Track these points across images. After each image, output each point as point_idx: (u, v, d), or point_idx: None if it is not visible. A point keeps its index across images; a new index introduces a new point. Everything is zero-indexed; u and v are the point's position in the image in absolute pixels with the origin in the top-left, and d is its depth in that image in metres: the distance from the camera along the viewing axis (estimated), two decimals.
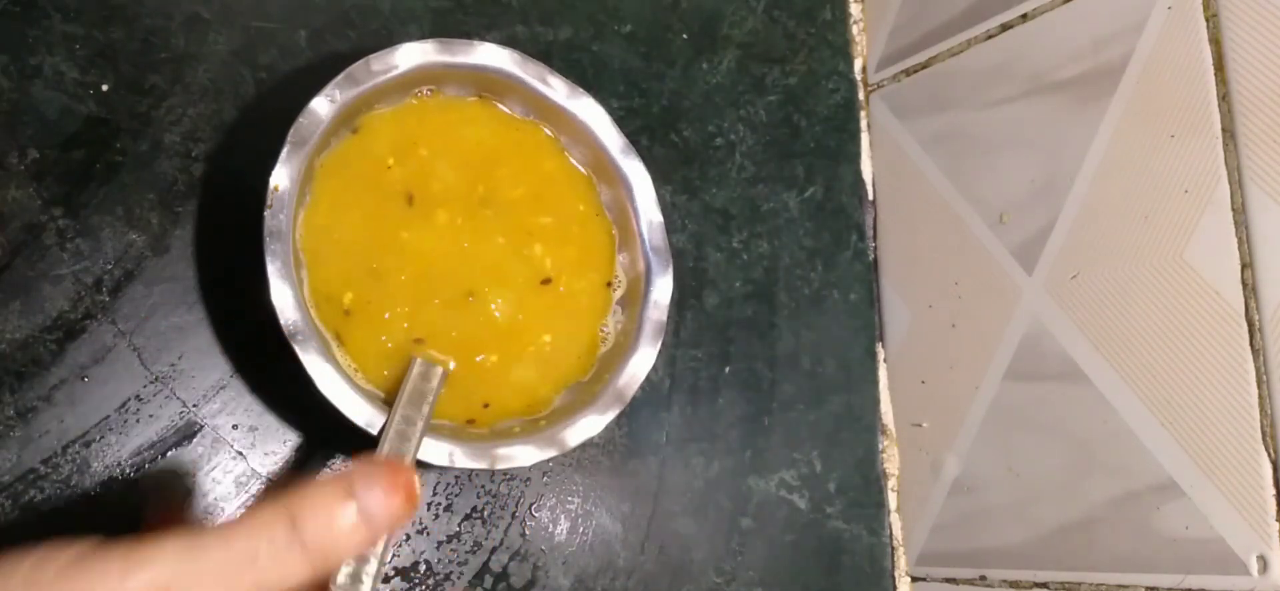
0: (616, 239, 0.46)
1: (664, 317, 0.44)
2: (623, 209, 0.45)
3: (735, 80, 0.55)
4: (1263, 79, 0.41)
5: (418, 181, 0.41)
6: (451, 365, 0.40)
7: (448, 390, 0.40)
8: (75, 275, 0.39)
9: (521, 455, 0.39)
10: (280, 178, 0.37)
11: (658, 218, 0.45)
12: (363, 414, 0.37)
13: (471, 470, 0.43)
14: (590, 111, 0.45)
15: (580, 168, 0.46)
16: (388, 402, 0.38)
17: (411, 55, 0.41)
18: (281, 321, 0.36)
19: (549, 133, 0.45)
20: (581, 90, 0.44)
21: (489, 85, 0.43)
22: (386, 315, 0.40)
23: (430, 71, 0.41)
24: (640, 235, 0.45)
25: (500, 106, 0.44)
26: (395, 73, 0.40)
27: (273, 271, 0.36)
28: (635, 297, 0.45)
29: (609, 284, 0.45)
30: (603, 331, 0.44)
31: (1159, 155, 0.45)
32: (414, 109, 0.42)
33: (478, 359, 0.41)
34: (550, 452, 0.40)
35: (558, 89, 0.44)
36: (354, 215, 0.40)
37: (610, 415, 0.42)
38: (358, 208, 0.40)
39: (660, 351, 0.44)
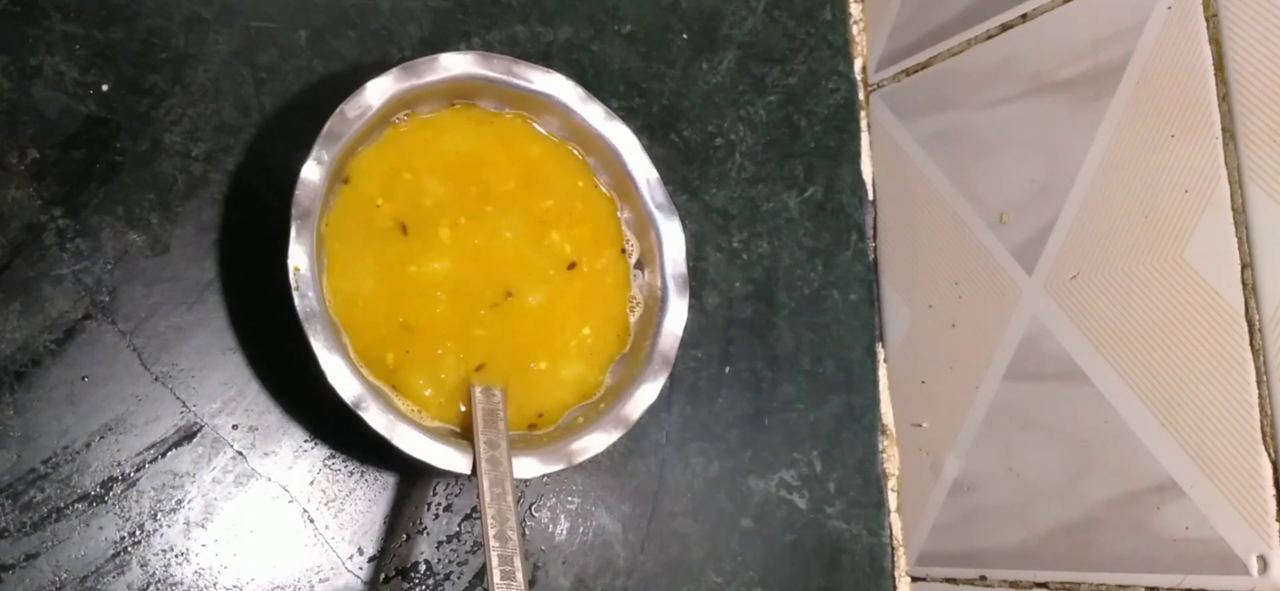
0: (617, 204, 0.46)
1: (684, 270, 0.45)
2: (618, 175, 0.45)
3: (735, 80, 0.55)
4: (1263, 79, 0.41)
5: (408, 208, 0.41)
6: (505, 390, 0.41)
7: (508, 407, 0.41)
8: (75, 275, 0.39)
9: (594, 443, 0.41)
10: (298, 258, 0.37)
11: (654, 174, 0.46)
12: (448, 459, 0.38)
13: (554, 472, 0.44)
14: (560, 86, 0.45)
15: (568, 146, 0.46)
16: (455, 432, 0.39)
17: (381, 90, 0.40)
18: (346, 399, 0.37)
19: (529, 119, 0.45)
20: (547, 69, 0.44)
21: (461, 92, 0.43)
22: (439, 351, 0.40)
23: (402, 98, 0.41)
24: (641, 196, 0.45)
25: (476, 106, 0.44)
26: (371, 113, 0.40)
27: (319, 351, 0.37)
28: (651, 258, 0.45)
29: (623, 250, 0.45)
30: (631, 301, 0.45)
31: (1159, 155, 0.45)
32: (394, 138, 0.42)
33: (531, 367, 0.42)
34: (617, 433, 0.41)
35: (526, 76, 0.44)
36: (367, 274, 0.40)
37: (662, 379, 0.43)
38: (366, 262, 0.40)
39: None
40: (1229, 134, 0.42)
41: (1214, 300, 0.42)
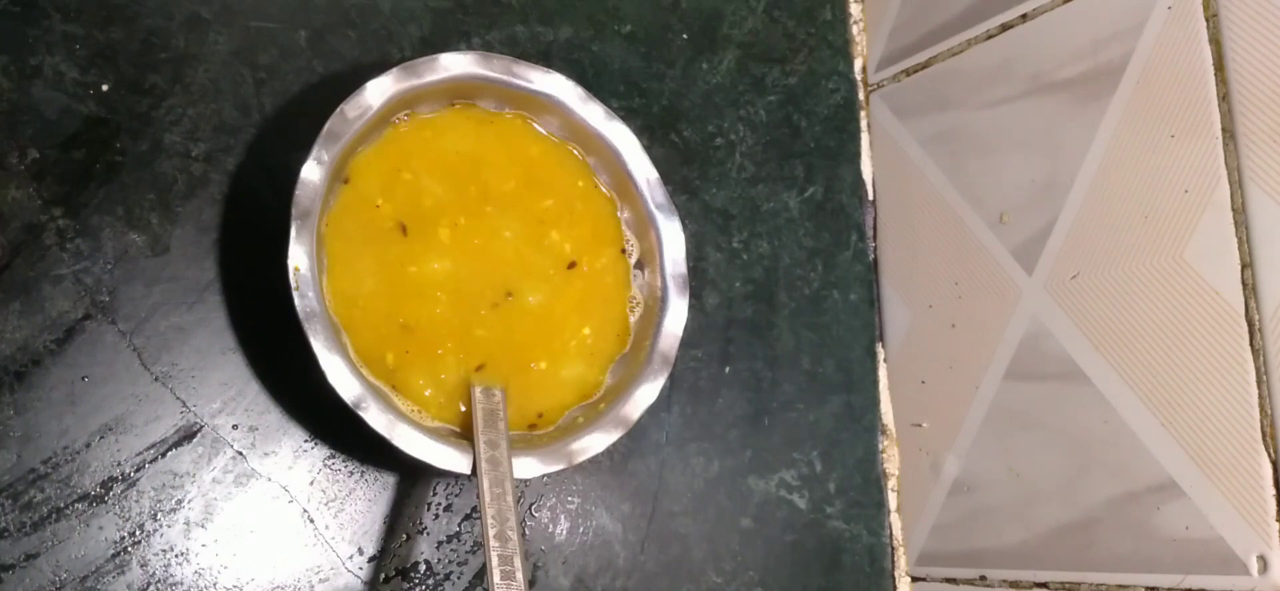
0: (617, 204, 0.46)
1: (684, 271, 0.45)
2: (618, 175, 0.46)
3: (735, 80, 0.55)
4: (1263, 79, 0.41)
5: (408, 208, 0.41)
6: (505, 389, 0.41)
7: (508, 407, 0.41)
8: (75, 275, 0.39)
9: (594, 443, 0.41)
10: (298, 258, 0.37)
11: (654, 174, 0.46)
12: (448, 459, 0.38)
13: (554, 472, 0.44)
14: (560, 86, 0.45)
15: (568, 146, 0.46)
16: (455, 432, 0.39)
17: (381, 90, 0.40)
18: (346, 399, 0.37)
19: (529, 119, 0.45)
20: (547, 69, 0.44)
21: (461, 91, 0.43)
22: (439, 351, 0.40)
23: (402, 98, 0.41)
24: (641, 196, 0.45)
25: (476, 106, 0.44)
26: (371, 113, 0.40)
27: (319, 351, 0.37)
28: (651, 258, 0.45)
29: (623, 250, 0.45)
30: (631, 301, 0.45)
31: (1159, 155, 0.45)
32: (394, 138, 0.42)
33: (531, 367, 0.42)
34: (617, 433, 0.41)
35: (526, 76, 0.44)
36: (367, 274, 0.40)
37: (662, 379, 0.43)
38: (366, 262, 0.40)
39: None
40: (1229, 134, 0.42)
41: (1214, 300, 0.42)
